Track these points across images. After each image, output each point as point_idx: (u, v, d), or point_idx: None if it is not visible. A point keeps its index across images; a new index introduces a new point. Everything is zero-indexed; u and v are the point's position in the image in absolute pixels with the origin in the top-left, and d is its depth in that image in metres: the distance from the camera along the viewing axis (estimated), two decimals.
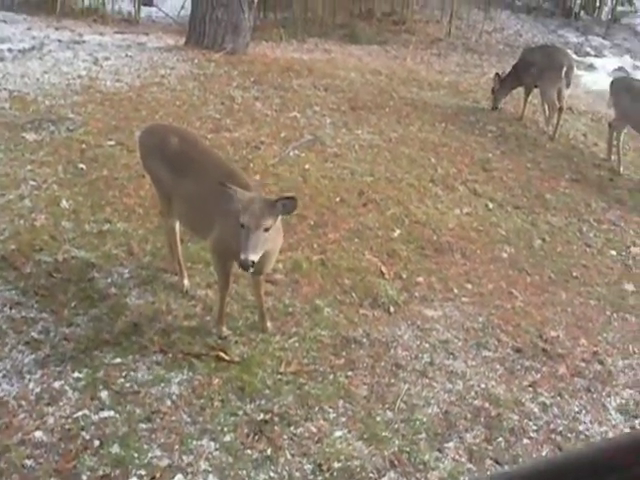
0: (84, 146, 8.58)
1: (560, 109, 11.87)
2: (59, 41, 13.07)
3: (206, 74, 12.02)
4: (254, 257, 4.98)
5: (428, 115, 11.97)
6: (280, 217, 5.39)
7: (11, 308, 5.68)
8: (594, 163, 11.31)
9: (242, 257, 4.96)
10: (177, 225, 6.21)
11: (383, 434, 5.03)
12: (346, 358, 5.75)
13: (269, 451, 4.71)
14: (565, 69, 11.77)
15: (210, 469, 4.51)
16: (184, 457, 4.56)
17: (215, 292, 6.13)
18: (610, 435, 5.55)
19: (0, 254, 6.33)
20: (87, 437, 4.58)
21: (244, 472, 4.53)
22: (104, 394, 4.95)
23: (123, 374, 5.16)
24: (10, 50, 12.03)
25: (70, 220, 7.01)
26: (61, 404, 4.82)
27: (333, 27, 18.63)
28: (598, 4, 21.99)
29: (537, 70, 12.06)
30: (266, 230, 5.03)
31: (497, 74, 12.76)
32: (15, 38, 12.90)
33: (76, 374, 5.09)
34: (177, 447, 4.63)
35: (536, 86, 12.34)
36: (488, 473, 4.93)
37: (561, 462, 1.36)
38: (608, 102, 11.92)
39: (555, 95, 11.84)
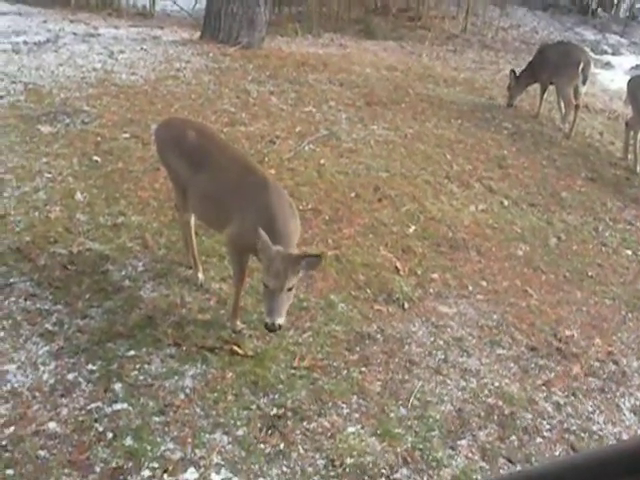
0: (99, 139, 8.59)
1: (576, 106, 11.84)
2: (74, 34, 13.12)
3: (221, 68, 12.03)
4: (280, 320, 5.00)
5: (444, 111, 11.97)
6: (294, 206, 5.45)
7: (26, 300, 5.68)
8: (610, 162, 11.30)
9: (268, 321, 4.98)
10: (192, 219, 6.20)
11: (396, 430, 5.01)
12: (360, 354, 5.74)
13: (282, 446, 4.69)
14: (582, 66, 11.72)
15: (223, 463, 4.49)
16: (197, 451, 4.55)
17: (229, 286, 6.13)
18: (624, 436, 5.52)
19: (15, 246, 6.33)
20: (100, 429, 4.57)
21: (256, 466, 4.51)
22: (118, 386, 4.95)
23: (137, 367, 5.15)
24: (25, 43, 12.08)
25: (85, 212, 7.01)
26: (75, 396, 4.82)
27: (349, 22, 18.65)
28: (616, 1, 21.91)
29: (553, 67, 12.01)
30: (290, 290, 5.03)
31: (512, 71, 12.75)
32: (30, 31, 12.95)
33: (90, 366, 5.09)
34: (190, 440, 4.61)
35: (552, 83, 12.30)
36: (501, 472, 4.90)
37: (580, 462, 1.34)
38: (625, 100, 11.91)
39: (572, 92, 11.81)
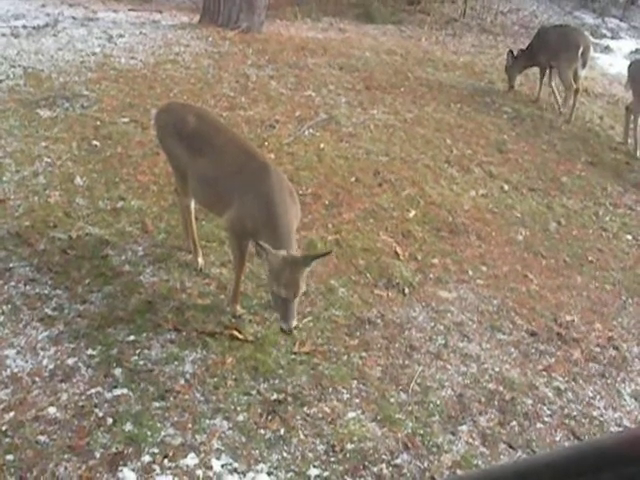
0: (98, 123, 8.57)
1: (576, 90, 11.81)
2: (73, 18, 13.08)
3: (221, 52, 12.00)
4: (295, 323, 5.09)
5: (443, 96, 11.95)
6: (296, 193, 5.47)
7: (25, 284, 5.67)
8: (610, 146, 11.28)
9: (285, 327, 5.04)
10: (192, 203, 6.17)
11: (397, 416, 5.01)
12: (360, 339, 5.73)
13: (282, 431, 4.69)
14: (581, 49, 11.69)
15: (223, 448, 4.49)
16: (197, 436, 4.55)
17: (229, 270, 6.12)
18: (624, 421, 5.52)
19: (14, 230, 6.32)
20: (100, 414, 4.57)
21: (257, 452, 4.51)
22: (118, 372, 4.94)
23: (137, 352, 5.15)
24: (24, 27, 12.04)
25: (84, 197, 7.00)
26: (75, 381, 4.81)
27: (348, 6, 18.60)
28: None
29: (553, 50, 11.98)
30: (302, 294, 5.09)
31: (510, 51, 12.74)
32: (29, 15, 12.91)
33: (90, 351, 5.08)
34: (190, 426, 4.61)
35: (551, 66, 12.27)
36: (502, 457, 4.90)
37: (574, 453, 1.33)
38: (626, 85, 11.88)
39: (571, 76, 11.77)
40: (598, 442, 1.33)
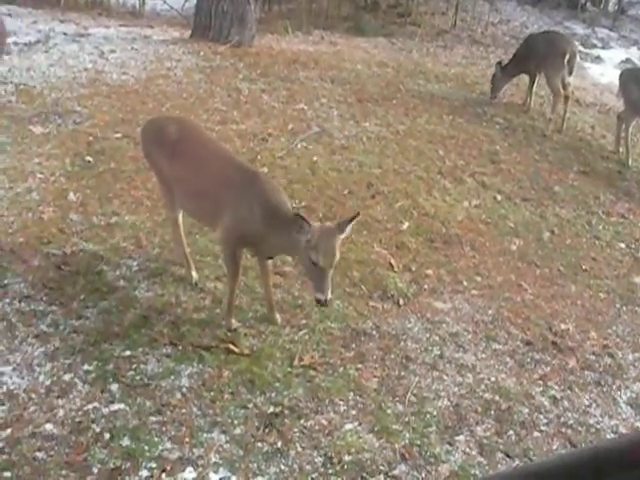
0: (91, 139, 8.57)
1: (566, 97, 11.81)
2: (64, 34, 13.07)
3: (212, 66, 12.02)
4: (330, 295, 5.10)
5: (435, 107, 11.96)
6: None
7: (20, 301, 5.66)
8: (602, 155, 11.29)
9: (321, 298, 5.03)
10: (180, 217, 6.16)
11: (394, 427, 5.01)
12: (356, 351, 5.74)
13: (279, 444, 4.69)
14: (568, 56, 11.67)
15: (220, 462, 4.49)
16: (194, 450, 4.54)
17: (224, 284, 6.11)
18: (621, 429, 5.53)
19: (9, 247, 6.31)
20: (97, 430, 4.56)
21: (254, 465, 4.51)
22: (114, 387, 4.94)
23: (133, 367, 5.14)
24: (16, 43, 12.04)
25: (78, 213, 7.00)
26: (71, 397, 4.81)
27: (338, 19, 18.63)
28: None
29: (540, 57, 11.97)
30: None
31: (499, 62, 12.69)
32: (21, 31, 12.91)
33: (86, 367, 5.08)
34: (187, 440, 4.61)
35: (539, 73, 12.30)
36: (499, 466, 4.90)
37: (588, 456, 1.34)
38: (617, 93, 11.89)
39: (560, 83, 11.77)
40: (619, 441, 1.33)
